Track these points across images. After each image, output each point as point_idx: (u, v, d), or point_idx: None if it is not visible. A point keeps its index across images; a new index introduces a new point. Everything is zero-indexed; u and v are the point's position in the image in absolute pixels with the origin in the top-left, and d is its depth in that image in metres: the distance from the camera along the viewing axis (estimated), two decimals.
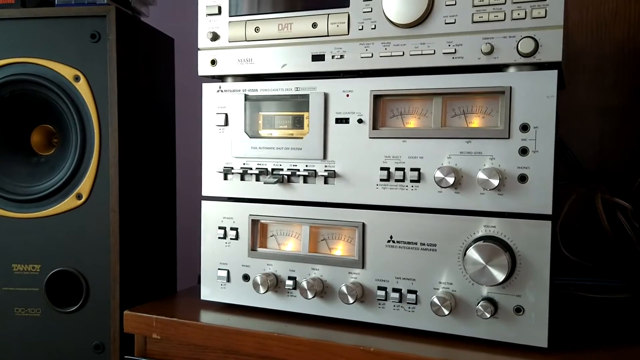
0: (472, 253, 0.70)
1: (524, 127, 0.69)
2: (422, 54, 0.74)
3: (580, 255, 1.00)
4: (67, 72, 0.87)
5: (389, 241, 0.76)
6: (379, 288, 0.77)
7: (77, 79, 0.87)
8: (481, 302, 0.70)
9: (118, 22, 0.87)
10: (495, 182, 0.69)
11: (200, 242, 0.87)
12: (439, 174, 0.72)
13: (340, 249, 0.81)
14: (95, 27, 0.87)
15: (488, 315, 0.70)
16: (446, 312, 0.71)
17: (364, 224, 0.78)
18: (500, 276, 0.69)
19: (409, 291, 0.75)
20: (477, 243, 0.70)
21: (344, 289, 0.77)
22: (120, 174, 0.88)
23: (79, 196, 0.88)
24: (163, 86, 1.05)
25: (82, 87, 0.87)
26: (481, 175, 0.70)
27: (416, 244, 0.75)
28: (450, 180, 0.71)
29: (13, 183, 0.90)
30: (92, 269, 0.89)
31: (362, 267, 0.78)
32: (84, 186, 0.88)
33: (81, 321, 0.89)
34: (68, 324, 0.90)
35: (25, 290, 0.90)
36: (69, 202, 0.88)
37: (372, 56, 0.76)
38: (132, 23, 0.93)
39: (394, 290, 0.76)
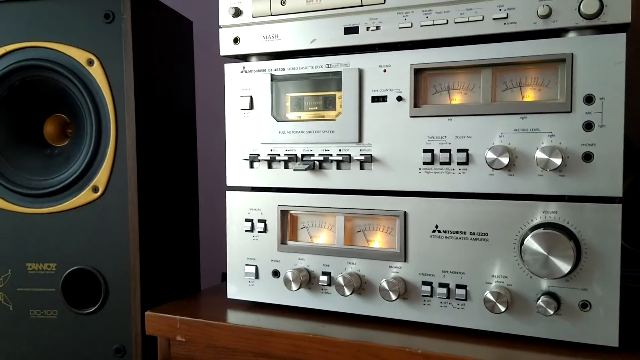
0: (531, 243, 0.62)
1: (589, 99, 0.61)
2: (468, 21, 0.66)
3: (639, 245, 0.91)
4: (79, 55, 0.81)
5: (434, 231, 0.69)
6: (424, 283, 0.69)
7: (90, 62, 0.81)
8: (542, 297, 0.63)
9: (133, 1, 0.80)
10: (558, 161, 0.61)
11: (225, 236, 0.81)
12: (491, 155, 0.64)
13: (378, 241, 0.73)
14: (109, 6, 0.81)
15: (551, 312, 0.62)
16: (502, 309, 0.64)
17: (405, 213, 0.70)
18: (565, 267, 0.61)
19: (458, 286, 0.67)
20: (536, 231, 0.62)
21: (384, 284, 0.70)
22: (139, 164, 0.82)
23: (95, 189, 0.82)
24: (182, 71, 0.98)
25: (96, 72, 0.81)
26: (540, 155, 0.62)
27: (465, 233, 0.67)
28: (505, 160, 0.63)
29: (26, 176, 0.85)
30: (111, 266, 0.83)
31: (404, 261, 0.71)
32: (101, 178, 0.82)
33: (100, 323, 0.83)
34: (87, 326, 0.84)
35: (41, 290, 0.84)
36: (85, 196, 0.82)
37: (411, 26, 0.69)
38: (148, 2, 0.86)
39: (441, 285, 0.68)
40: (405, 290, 0.70)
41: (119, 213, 0.82)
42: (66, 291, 0.84)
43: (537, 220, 0.64)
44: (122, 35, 0.81)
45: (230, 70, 0.80)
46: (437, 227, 0.69)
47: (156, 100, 0.89)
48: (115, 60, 0.81)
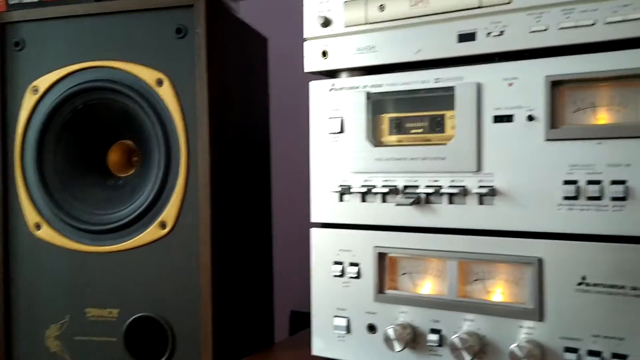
0: None
1: None
2: (625, 21, 0.53)
3: None
4: (148, 75, 0.72)
5: (580, 284, 0.55)
6: (568, 350, 0.55)
7: (159, 83, 0.72)
8: None
9: (208, 14, 0.71)
10: None
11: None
12: None
13: (501, 293, 0.60)
14: (181, 20, 0.72)
15: None
16: None
17: (540, 260, 0.56)
18: None
19: (616, 355, 0.53)
20: None
21: (516, 350, 0.56)
22: (212, 197, 0.71)
23: (162, 225, 0.72)
24: (257, 92, 0.89)
25: (166, 93, 0.72)
26: None
27: (624, 288, 0.53)
28: None
29: (87, 210, 0.76)
30: (179, 314, 0.73)
31: (540, 320, 0.57)
32: (169, 212, 0.72)
33: None
34: None
35: (101, 340, 0.74)
36: (151, 233, 0.73)
37: (546, 30, 0.56)
38: (224, 15, 0.77)
39: (591, 353, 0.54)
40: (542, 358, 0.56)
41: (189, 253, 0.72)
42: (129, 341, 0.74)
43: None
44: (195, 52, 0.72)
45: (317, 89, 0.69)
46: (584, 278, 0.54)
47: (231, 125, 0.79)
48: (187, 80, 0.72)
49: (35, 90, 0.76)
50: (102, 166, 0.79)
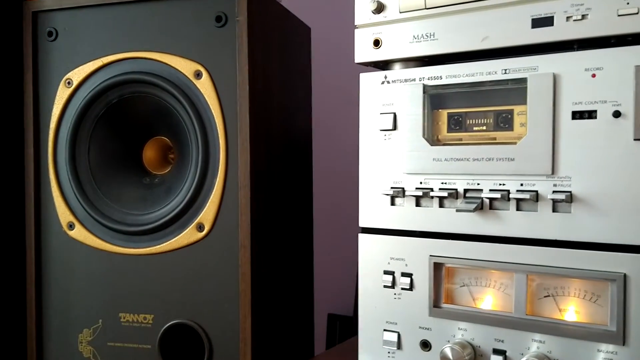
0: None
1: None
2: None
3: None
4: (186, 67, 0.68)
5: None
6: None
7: (198, 75, 0.68)
8: None
9: (250, 0, 0.66)
10: None
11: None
12: None
13: (576, 312, 0.53)
14: (221, 7, 0.67)
15: None
16: None
17: (625, 276, 0.49)
18: None
19: None
20: None
21: None
22: (252, 198, 0.66)
23: (200, 227, 0.68)
24: (300, 85, 0.83)
25: (205, 86, 0.67)
26: None
27: None
28: None
29: (121, 210, 0.72)
30: (217, 322, 0.68)
31: (623, 344, 0.50)
32: (207, 214, 0.67)
33: None
34: None
35: (135, 347, 0.71)
36: (188, 235, 0.68)
37: (637, 13, 0.49)
38: (266, 2, 0.72)
39: None
40: None
41: (228, 257, 0.67)
42: (164, 349, 0.70)
43: None
44: (237, 42, 0.66)
45: (367, 81, 0.63)
46: None
47: (273, 121, 0.74)
48: (227, 72, 0.67)
49: (69, 83, 0.73)
50: (137, 163, 0.75)
